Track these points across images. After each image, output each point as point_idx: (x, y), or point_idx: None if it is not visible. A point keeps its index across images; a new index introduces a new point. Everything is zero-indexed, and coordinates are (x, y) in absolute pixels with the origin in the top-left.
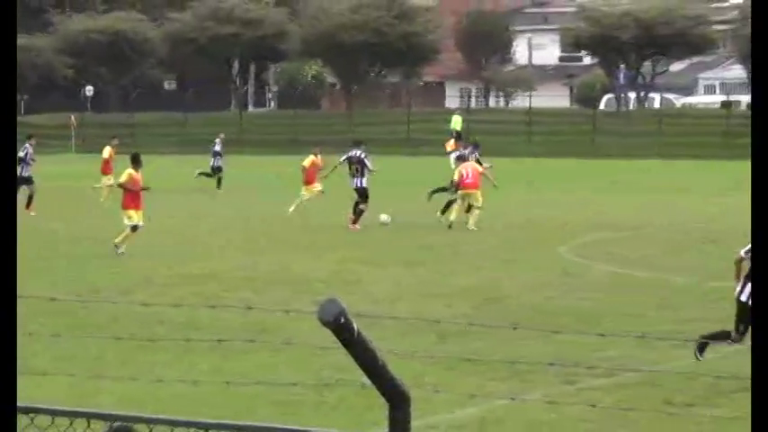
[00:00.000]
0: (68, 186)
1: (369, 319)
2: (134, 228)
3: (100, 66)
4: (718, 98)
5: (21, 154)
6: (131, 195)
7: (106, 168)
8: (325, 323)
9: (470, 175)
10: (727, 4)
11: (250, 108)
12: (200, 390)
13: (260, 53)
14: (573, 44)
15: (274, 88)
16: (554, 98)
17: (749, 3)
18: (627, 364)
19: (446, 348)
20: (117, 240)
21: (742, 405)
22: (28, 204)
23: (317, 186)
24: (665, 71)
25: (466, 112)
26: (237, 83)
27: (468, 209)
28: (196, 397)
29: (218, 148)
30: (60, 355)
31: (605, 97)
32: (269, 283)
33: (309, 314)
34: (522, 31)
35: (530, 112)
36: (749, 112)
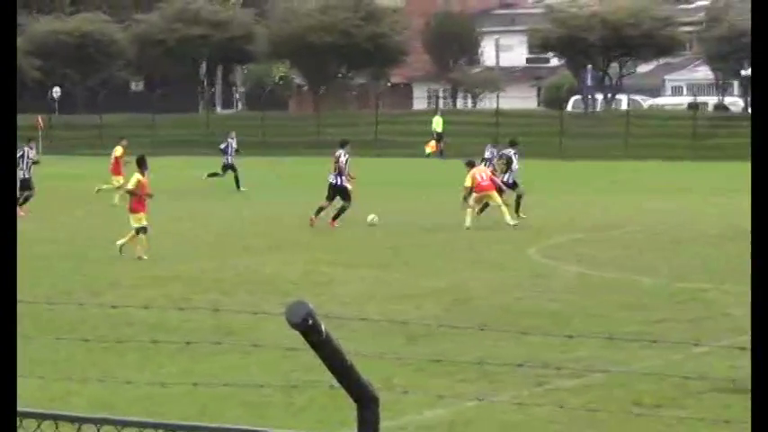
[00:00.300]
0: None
1: (337, 321)
2: (139, 230)
3: (67, 67)
4: (685, 99)
5: (19, 155)
6: (139, 198)
7: (116, 169)
8: (293, 325)
9: (485, 178)
10: (693, 5)
11: (218, 109)
12: (168, 391)
13: (227, 54)
14: (540, 46)
15: (242, 89)
16: (521, 99)
17: (716, 4)
18: (595, 365)
19: (415, 350)
20: (120, 242)
21: (710, 406)
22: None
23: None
24: (632, 72)
25: (433, 113)
26: (205, 84)
27: (482, 209)
28: (164, 399)
29: (226, 146)
30: (29, 358)
31: (572, 99)
32: (238, 285)
33: (278, 316)
34: (489, 33)
35: (497, 113)
36: (716, 114)
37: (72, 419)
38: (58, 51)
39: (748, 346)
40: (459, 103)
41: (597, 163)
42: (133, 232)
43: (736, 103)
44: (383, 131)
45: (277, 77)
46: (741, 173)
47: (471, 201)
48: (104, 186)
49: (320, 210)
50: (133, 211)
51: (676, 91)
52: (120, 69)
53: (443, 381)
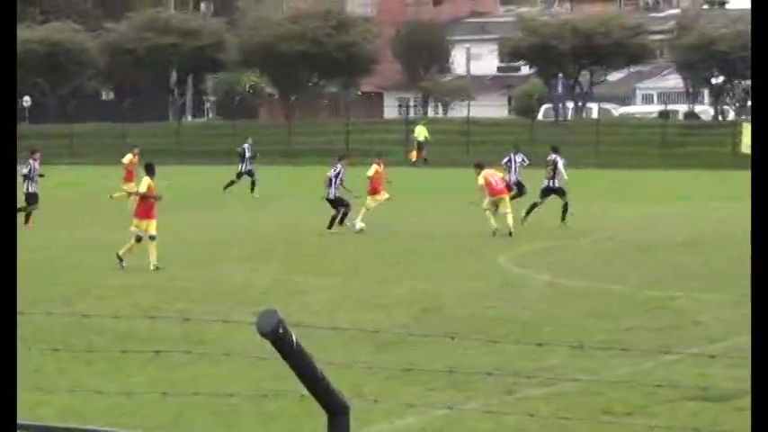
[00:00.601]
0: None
1: (307, 330)
2: (139, 238)
3: (37, 76)
4: (655, 108)
5: (25, 171)
6: (147, 205)
7: (129, 176)
8: (264, 334)
9: (499, 181)
10: (664, 14)
11: (188, 118)
12: (137, 401)
13: (198, 63)
14: (511, 54)
15: (212, 98)
16: (492, 108)
17: (686, 13)
18: (565, 373)
19: (385, 358)
20: (121, 252)
21: (680, 414)
22: (26, 220)
23: (384, 195)
24: (602, 81)
25: (405, 122)
26: (175, 93)
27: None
28: (134, 408)
29: (248, 153)
30: None
31: (543, 107)
32: (208, 294)
33: (248, 325)
34: (460, 41)
35: (468, 121)
36: (686, 122)
37: (41, 430)
38: (28, 60)
39: (718, 353)
40: (431, 112)
41: (568, 171)
42: (133, 240)
43: (706, 111)
44: (354, 140)
45: (247, 86)
46: (711, 180)
47: (486, 203)
48: (116, 194)
49: (344, 216)
50: (140, 217)
51: (647, 99)
52: (91, 78)
53: (414, 389)
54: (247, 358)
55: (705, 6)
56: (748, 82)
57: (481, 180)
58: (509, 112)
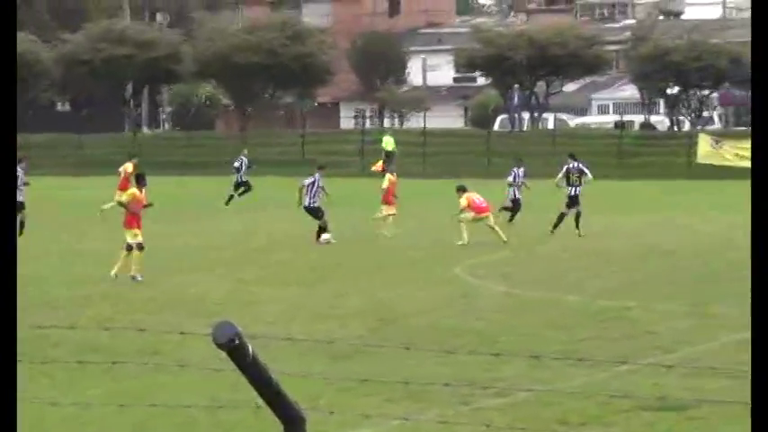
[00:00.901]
0: None
1: (263, 341)
2: (131, 246)
3: None
4: (611, 118)
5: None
6: (133, 214)
7: (124, 186)
8: (220, 345)
9: (481, 201)
10: (619, 24)
11: (144, 129)
12: (94, 412)
13: (153, 74)
14: (467, 65)
15: (168, 109)
16: (448, 119)
17: (642, 23)
18: (521, 383)
19: (341, 369)
20: (116, 268)
21: (635, 424)
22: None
23: (392, 209)
24: (558, 92)
25: (361, 133)
26: (131, 104)
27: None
28: (90, 419)
29: (240, 164)
30: None
31: (499, 118)
32: (164, 305)
33: (204, 336)
34: (416, 52)
35: (424, 132)
36: (642, 132)
37: None
38: None
39: (673, 363)
40: (387, 123)
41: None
42: (124, 251)
43: (661, 121)
44: (310, 151)
45: (203, 97)
46: (667, 191)
47: (465, 218)
48: (106, 206)
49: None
50: (129, 227)
51: (602, 110)
52: (46, 89)
53: (370, 400)
54: (203, 369)
55: (660, 17)
56: (703, 92)
57: (464, 202)
58: (465, 122)
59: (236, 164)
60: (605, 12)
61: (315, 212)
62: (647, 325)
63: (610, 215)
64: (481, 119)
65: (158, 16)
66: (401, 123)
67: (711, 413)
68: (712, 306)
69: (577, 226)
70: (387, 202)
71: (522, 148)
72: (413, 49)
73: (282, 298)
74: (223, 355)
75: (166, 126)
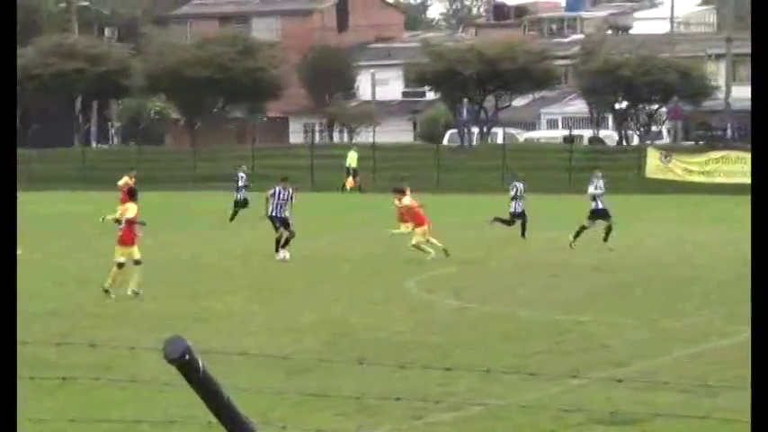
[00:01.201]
0: None
1: (216, 356)
2: (121, 265)
3: None
4: (560, 133)
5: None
6: (131, 230)
7: (125, 199)
8: (171, 360)
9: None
10: (568, 39)
11: (93, 144)
12: (45, 428)
13: (103, 89)
14: (416, 80)
15: (118, 124)
16: (398, 133)
17: (591, 38)
18: (473, 398)
19: (294, 384)
20: (107, 285)
21: None
22: None
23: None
24: (507, 106)
25: (310, 147)
26: (80, 119)
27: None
28: None
29: (242, 182)
30: None
31: (449, 132)
32: (116, 320)
33: (156, 351)
34: (365, 67)
35: (374, 147)
36: (591, 147)
37: None
38: None
39: (626, 377)
40: (336, 137)
41: (474, 196)
42: (115, 269)
43: (610, 136)
44: (260, 166)
45: (153, 112)
46: (615, 205)
47: (413, 236)
48: (109, 217)
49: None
50: (128, 244)
51: (552, 124)
52: None
53: (322, 415)
54: (155, 384)
55: (609, 32)
56: (652, 107)
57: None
58: (414, 137)
59: (238, 180)
60: (554, 27)
61: (276, 222)
62: (600, 339)
63: (560, 229)
64: (431, 133)
65: (107, 31)
66: (350, 138)
67: (664, 427)
68: (664, 320)
69: (606, 239)
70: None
71: (471, 162)
72: (362, 63)
73: (235, 312)
74: (175, 370)
75: (116, 141)
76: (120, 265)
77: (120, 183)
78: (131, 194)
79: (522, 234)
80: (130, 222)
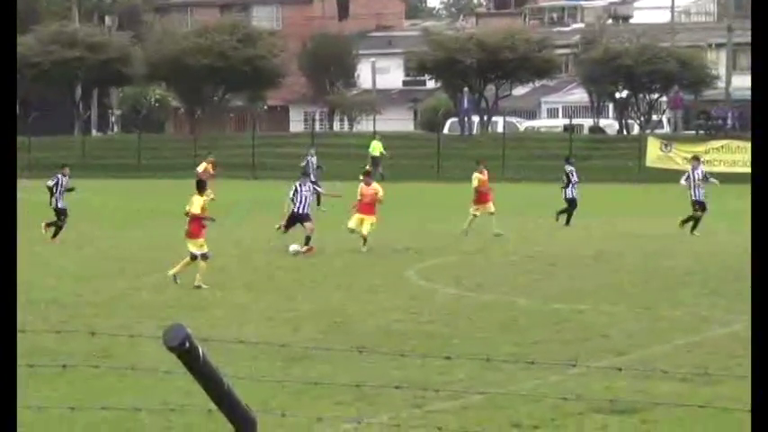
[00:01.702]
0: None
1: (215, 344)
2: (195, 257)
3: None
4: (560, 122)
5: (50, 183)
6: (199, 222)
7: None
8: (171, 348)
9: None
10: (569, 28)
11: (93, 132)
12: (45, 416)
13: (103, 77)
14: (417, 68)
15: (118, 112)
16: (399, 122)
17: (591, 27)
18: (473, 386)
19: (293, 372)
20: (173, 271)
21: (588, 426)
22: (55, 234)
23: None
24: (508, 95)
25: (310, 136)
26: (81, 107)
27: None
28: (41, 423)
29: (313, 163)
30: None
31: (449, 121)
32: (114, 309)
33: (155, 339)
34: (366, 55)
35: (374, 136)
36: (591, 136)
37: None
38: None
39: (625, 366)
40: (336, 126)
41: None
42: (188, 259)
43: (611, 125)
44: (260, 154)
45: (153, 100)
46: (615, 195)
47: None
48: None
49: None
50: (193, 236)
51: (552, 113)
52: None
53: (322, 403)
54: (154, 372)
55: (610, 21)
56: (653, 96)
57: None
58: (415, 126)
59: (302, 164)
60: (555, 16)
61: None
62: (599, 328)
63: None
64: (431, 122)
65: (107, 19)
66: (351, 127)
67: (664, 416)
68: (663, 309)
69: (694, 230)
70: (479, 201)
71: (472, 151)
72: (363, 52)
73: (233, 301)
74: (175, 358)
75: (116, 129)
76: (193, 257)
77: (200, 169)
78: (198, 186)
79: (567, 222)
80: (194, 216)
